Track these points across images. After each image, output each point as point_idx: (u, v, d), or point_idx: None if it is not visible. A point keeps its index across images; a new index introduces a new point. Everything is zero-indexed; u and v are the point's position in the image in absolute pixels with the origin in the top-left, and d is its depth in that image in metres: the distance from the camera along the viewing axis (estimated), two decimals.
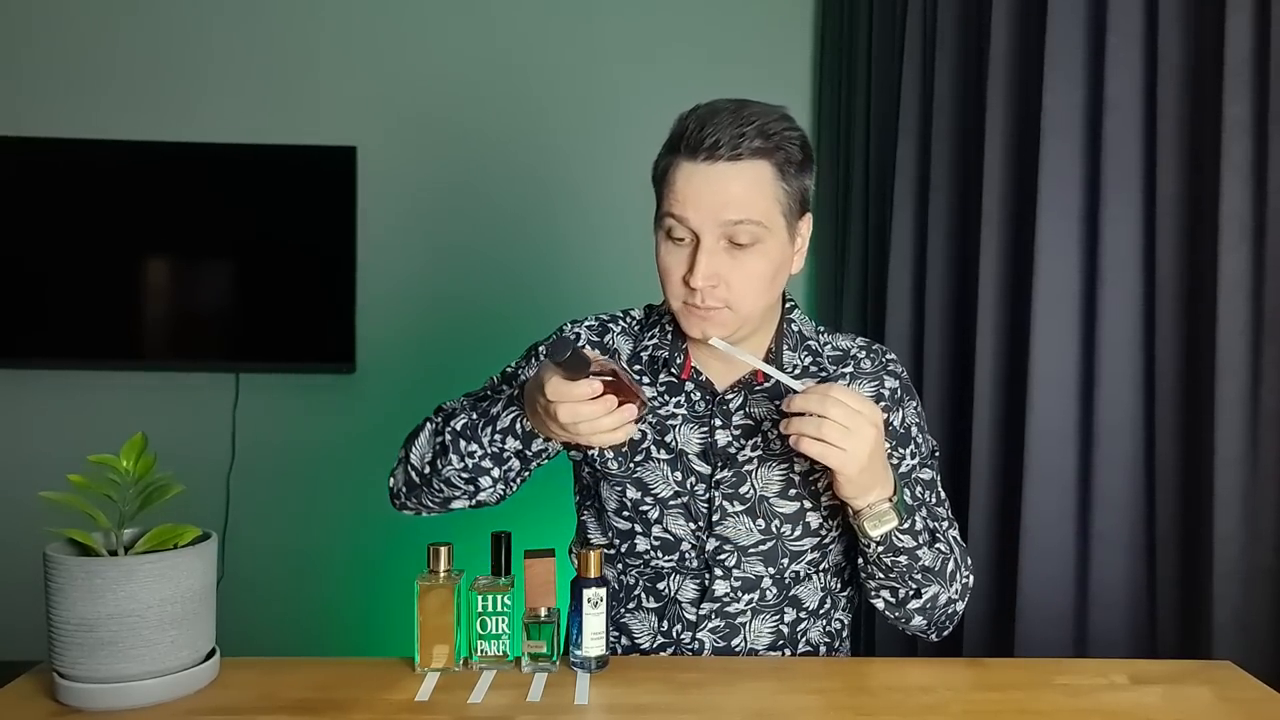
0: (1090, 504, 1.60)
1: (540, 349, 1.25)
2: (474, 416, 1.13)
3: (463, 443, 1.11)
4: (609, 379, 0.98)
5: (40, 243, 2.80)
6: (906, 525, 1.07)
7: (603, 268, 2.85)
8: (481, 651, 1.05)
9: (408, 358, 2.88)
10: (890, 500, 1.06)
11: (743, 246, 1.07)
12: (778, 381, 1.16)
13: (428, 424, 1.19)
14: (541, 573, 1.05)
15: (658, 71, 2.88)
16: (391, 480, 1.23)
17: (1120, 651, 1.54)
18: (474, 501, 1.17)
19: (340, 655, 1.12)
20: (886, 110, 2.35)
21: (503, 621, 1.04)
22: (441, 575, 1.05)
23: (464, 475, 1.12)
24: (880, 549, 1.08)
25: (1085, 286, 1.62)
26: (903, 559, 1.09)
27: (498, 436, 1.11)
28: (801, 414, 1.01)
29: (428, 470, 1.15)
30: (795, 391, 1.04)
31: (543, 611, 1.05)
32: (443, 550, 1.06)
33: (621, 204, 2.89)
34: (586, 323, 1.26)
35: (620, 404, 0.99)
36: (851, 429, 0.99)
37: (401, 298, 2.88)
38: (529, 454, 1.12)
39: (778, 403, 1.16)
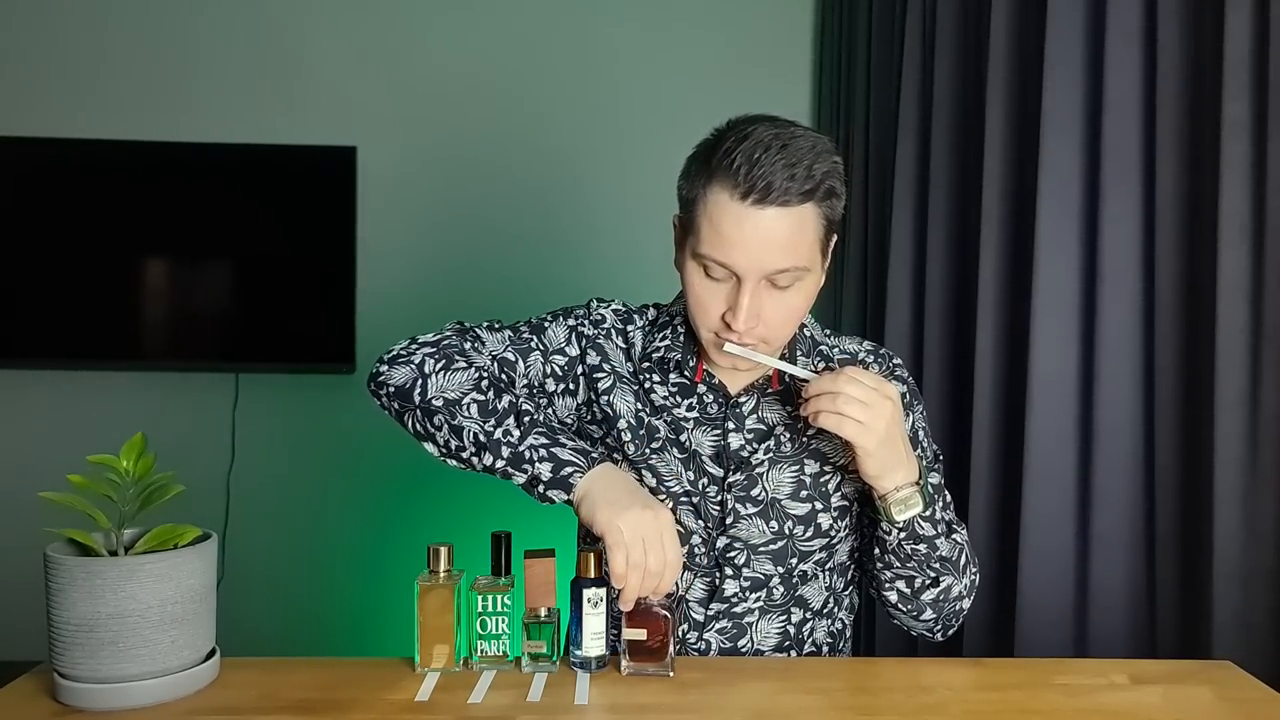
0: (1090, 504, 1.59)
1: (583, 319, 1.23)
2: (537, 415, 1.09)
3: (511, 421, 1.08)
4: (659, 612, 1.04)
5: (41, 243, 2.80)
6: (928, 513, 1.08)
7: (603, 269, 2.86)
8: (481, 651, 1.05)
9: None
10: (916, 484, 1.07)
11: (784, 288, 1.07)
12: (790, 385, 1.16)
13: (467, 367, 1.12)
14: (541, 573, 1.05)
15: (658, 72, 2.88)
16: (382, 369, 1.15)
17: (1120, 651, 1.54)
18: (448, 461, 1.12)
19: (340, 655, 1.12)
20: (886, 110, 2.35)
21: (503, 621, 1.04)
22: (441, 575, 1.05)
23: (478, 440, 1.07)
24: (902, 535, 1.09)
25: (1085, 286, 1.62)
26: (922, 547, 1.10)
27: (541, 452, 1.06)
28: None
29: (438, 403, 1.10)
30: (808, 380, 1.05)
31: (543, 611, 1.05)
32: (443, 550, 1.06)
33: (622, 204, 2.90)
34: (614, 306, 1.25)
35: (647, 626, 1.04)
36: (867, 402, 1.01)
37: (401, 297, 2.88)
38: (540, 490, 1.07)
39: (790, 407, 1.17)
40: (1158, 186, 1.53)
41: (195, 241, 2.86)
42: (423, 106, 2.91)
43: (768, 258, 1.04)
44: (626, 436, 1.17)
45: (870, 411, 1.01)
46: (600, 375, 1.20)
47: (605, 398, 1.19)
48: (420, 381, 1.12)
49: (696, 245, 1.07)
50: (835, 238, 1.12)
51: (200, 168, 2.81)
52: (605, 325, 1.22)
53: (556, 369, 1.20)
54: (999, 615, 1.77)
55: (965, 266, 1.95)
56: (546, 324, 1.22)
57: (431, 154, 2.92)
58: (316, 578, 2.92)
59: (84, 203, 2.80)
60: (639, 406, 1.18)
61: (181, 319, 2.88)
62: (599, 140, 2.92)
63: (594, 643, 1.04)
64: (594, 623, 1.04)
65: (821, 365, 1.20)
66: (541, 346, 1.20)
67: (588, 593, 1.04)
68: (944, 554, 1.12)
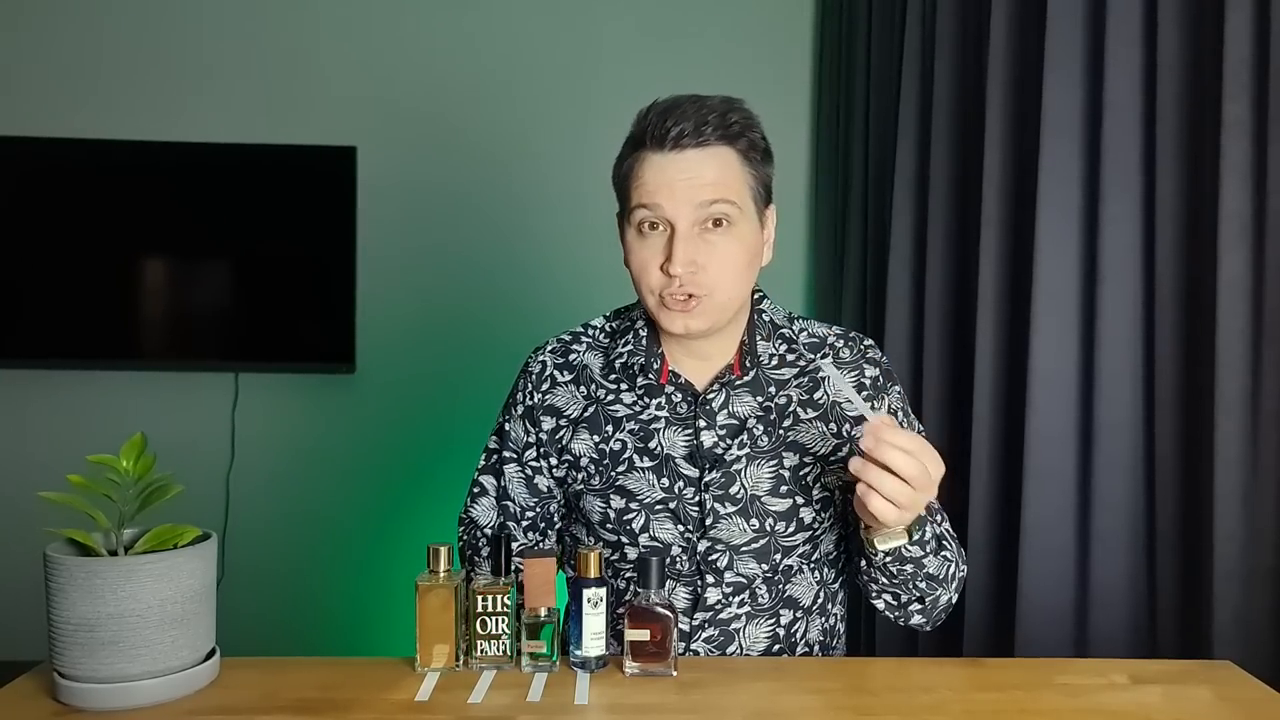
0: (1090, 504, 1.59)
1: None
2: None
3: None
4: (660, 612, 1.02)
5: (41, 242, 2.80)
6: (916, 537, 1.06)
7: (602, 267, 2.85)
8: (481, 651, 1.05)
9: (407, 358, 2.88)
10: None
11: (717, 228, 1.09)
12: (758, 375, 1.17)
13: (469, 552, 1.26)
14: (541, 573, 1.05)
15: (658, 72, 2.88)
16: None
17: (1120, 651, 1.54)
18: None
19: (340, 655, 1.12)
20: (886, 110, 2.35)
21: (503, 621, 1.04)
22: (441, 575, 1.05)
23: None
24: (887, 558, 1.07)
25: (1085, 286, 1.62)
26: (908, 567, 1.08)
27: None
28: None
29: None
30: (866, 418, 0.97)
31: (542, 611, 1.05)
32: (443, 550, 1.06)
33: None
34: (550, 346, 1.26)
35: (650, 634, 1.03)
36: (918, 488, 0.95)
37: (401, 297, 2.88)
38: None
39: (760, 398, 1.17)
40: (1158, 187, 1.53)
41: (195, 241, 2.85)
42: (423, 106, 2.91)
43: (693, 193, 1.07)
44: (591, 470, 1.19)
45: (915, 498, 0.96)
46: (560, 430, 1.22)
47: (568, 447, 1.21)
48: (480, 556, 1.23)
49: (629, 205, 1.12)
50: (772, 206, 1.16)
51: (200, 167, 2.81)
52: (546, 373, 1.24)
53: (532, 460, 1.24)
54: (999, 615, 1.77)
55: (965, 266, 1.95)
56: (506, 425, 1.27)
57: (431, 154, 2.92)
58: (316, 578, 2.92)
59: (84, 203, 2.80)
60: (597, 440, 1.19)
61: (181, 319, 2.88)
62: (599, 140, 2.90)
63: (594, 643, 1.04)
64: (594, 623, 1.04)
65: (784, 347, 1.19)
66: (514, 453, 1.25)
67: (588, 593, 1.04)
68: (931, 572, 1.09)
